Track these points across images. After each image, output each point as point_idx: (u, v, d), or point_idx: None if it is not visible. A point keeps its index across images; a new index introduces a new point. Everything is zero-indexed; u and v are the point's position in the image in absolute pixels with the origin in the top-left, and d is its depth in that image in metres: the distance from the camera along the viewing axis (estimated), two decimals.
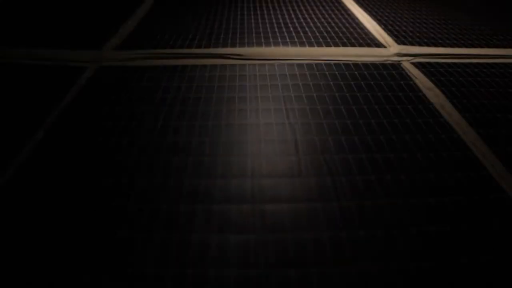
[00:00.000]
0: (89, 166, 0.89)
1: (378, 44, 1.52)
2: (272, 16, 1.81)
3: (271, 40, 1.54)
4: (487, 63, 1.38)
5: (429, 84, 1.24)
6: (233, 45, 1.50)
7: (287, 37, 1.56)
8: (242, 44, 1.50)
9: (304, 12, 1.87)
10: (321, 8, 1.93)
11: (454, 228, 0.76)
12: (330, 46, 1.50)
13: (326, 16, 1.81)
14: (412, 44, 1.51)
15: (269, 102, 1.14)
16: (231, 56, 1.41)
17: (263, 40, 1.54)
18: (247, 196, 0.82)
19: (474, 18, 1.80)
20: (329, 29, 1.66)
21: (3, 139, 0.98)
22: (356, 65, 1.37)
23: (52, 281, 0.65)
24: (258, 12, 1.86)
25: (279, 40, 1.54)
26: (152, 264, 0.69)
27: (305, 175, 0.88)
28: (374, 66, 1.37)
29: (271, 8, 1.93)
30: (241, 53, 1.43)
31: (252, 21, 1.75)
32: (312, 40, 1.55)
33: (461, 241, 0.74)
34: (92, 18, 1.76)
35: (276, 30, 1.64)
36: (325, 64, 1.37)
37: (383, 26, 1.69)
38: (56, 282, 0.65)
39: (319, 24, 1.71)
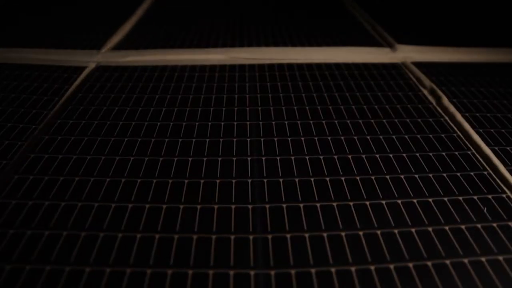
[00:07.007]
0: (88, 164, 0.89)
1: (378, 44, 1.52)
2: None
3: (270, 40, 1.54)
4: (487, 63, 1.38)
5: (429, 83, 1.24)
6: (233, 45, 1.50)
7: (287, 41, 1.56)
8: (241, 45, 1.50)
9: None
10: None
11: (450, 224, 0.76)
12: (330, 45, 1.50)
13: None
14: (412, 43, 1.51)
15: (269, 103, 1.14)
16: (232, 56, 1.42)
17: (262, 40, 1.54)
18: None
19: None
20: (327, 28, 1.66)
21: (2, 137, 0.98)
22: (356, 65, 1.37)
23: None
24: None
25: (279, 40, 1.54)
26: None
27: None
28: (374, 65, 1.37)
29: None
30: (241, 54, 1.43)
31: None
32: (312, 39, 1.55)
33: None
34: (91, 18, 1.77)
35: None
36: (325, 64, 1.37)
37: (383, 26, 1.69)
38: None
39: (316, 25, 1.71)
